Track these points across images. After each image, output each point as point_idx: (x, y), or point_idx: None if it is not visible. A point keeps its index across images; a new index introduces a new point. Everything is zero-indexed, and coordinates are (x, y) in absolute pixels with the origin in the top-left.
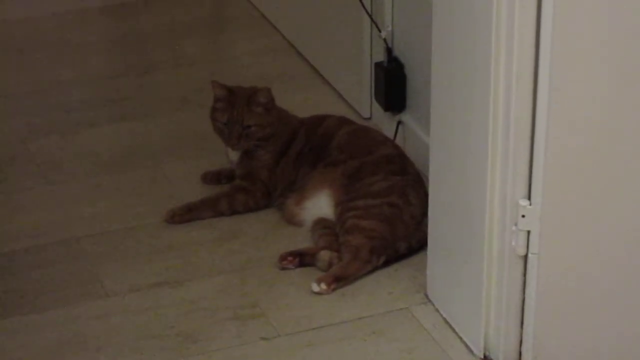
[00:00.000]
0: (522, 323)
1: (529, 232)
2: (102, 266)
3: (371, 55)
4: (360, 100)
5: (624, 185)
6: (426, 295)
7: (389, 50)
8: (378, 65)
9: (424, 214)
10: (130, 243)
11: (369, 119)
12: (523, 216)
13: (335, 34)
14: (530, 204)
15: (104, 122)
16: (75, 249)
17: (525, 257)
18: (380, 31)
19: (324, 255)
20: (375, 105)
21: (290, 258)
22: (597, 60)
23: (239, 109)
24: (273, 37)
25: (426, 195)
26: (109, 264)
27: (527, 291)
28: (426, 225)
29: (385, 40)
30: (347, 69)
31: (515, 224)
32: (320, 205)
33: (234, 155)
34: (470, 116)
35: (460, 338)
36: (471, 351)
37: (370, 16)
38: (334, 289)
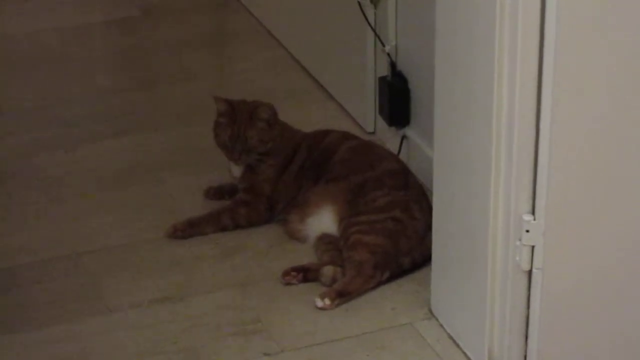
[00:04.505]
0: (526, 338)
1: (533, 247)
2: (104, 282)
3: (375, 70)
4: (364, 115)
5: (628, 199)
6: (430, 311)
7: (392, 65)
8: (382, 79)
9: (428, 228)
10: (132, 258)
11: (373, 133)
12: (527, 231)
13: (339, 49)
14: (534, 219)
15: (107, 137)
16: (76, 265)
17: (530, 272)
18: (384, 45)
19: (328, 270)
20: (379, 119)
21: (293, 273)
22: (600, 76)
23: (241, 124)
24: (277, 52)
25: (430, 209)
26: (110, 280)
27: (531, 306)
28: (430, 240)
29: (389, 54)
30: (351, 83)
31: (519, 239)
32: (323, 221)
33: (237, 170)
34: (474, 131)
35: (465, 353)
36: None
37: (374, 30)
38: (337, 305)
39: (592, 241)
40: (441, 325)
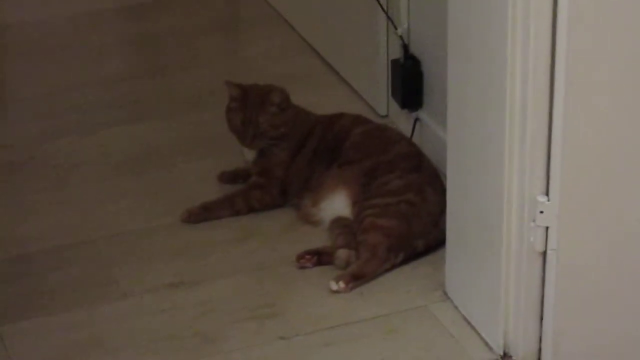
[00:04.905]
0: (541, 319)
1: (547, 228)
2: (119, 267)
3: (387, 53)
4: (376, 98)
5: None
6: (445, 293)
7: (405, 47)
8: (394, 62)
9: (442, 211)
10: (147, 244)
11: (386, 116)
12: (541, 212)
13: (351, 32)
14: (548, 200)
15: (119, 124)
16: (91, 251)
17: (544, 253)
18: (396, 28)
19: (342, 253)
20: (392, 102)
21: (308, 257)
22: (615, 55)
23: (253, 109)
24: (289, 36)
25: (443, 192)
26: (125, 265)
27: (546, 287)
28: (444, 223)
29: (401, 37)
30: (363, 66)
31: (534, 220)
32: (336, 204)
33: (250, 155)
34: (487, 112)
35: (480, 335)
36: (490, 348)
37: (386, 13)
38: (352, 288)
39: (607, 222)
40: (456, 308)
